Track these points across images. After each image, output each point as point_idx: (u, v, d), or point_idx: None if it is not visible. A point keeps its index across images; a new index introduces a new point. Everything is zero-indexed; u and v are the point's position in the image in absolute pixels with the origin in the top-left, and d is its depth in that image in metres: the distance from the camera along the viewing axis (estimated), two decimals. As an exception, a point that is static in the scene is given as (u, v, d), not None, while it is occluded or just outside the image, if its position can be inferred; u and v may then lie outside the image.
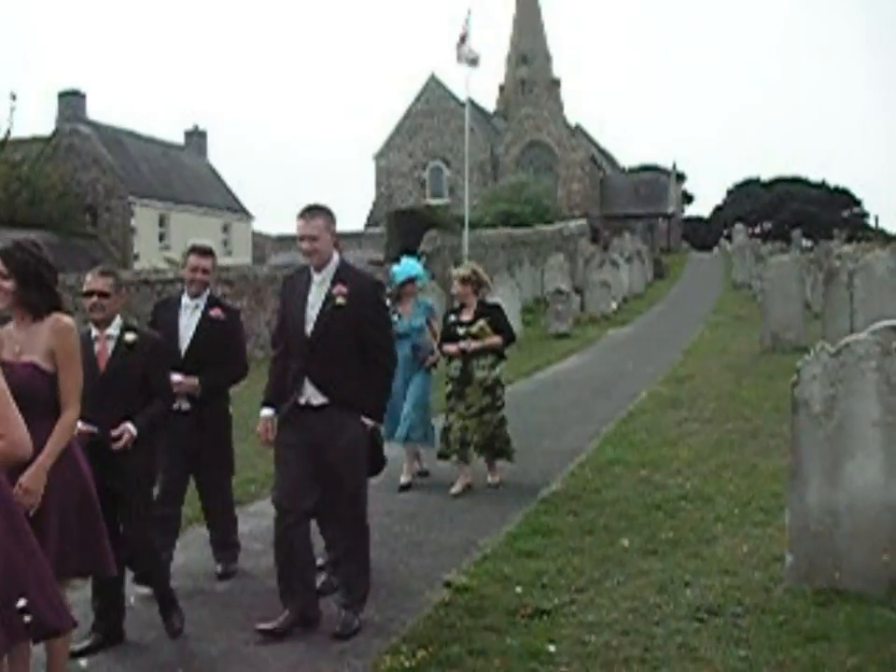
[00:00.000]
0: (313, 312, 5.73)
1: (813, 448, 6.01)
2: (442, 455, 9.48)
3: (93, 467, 5.00)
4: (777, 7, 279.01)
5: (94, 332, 5.62)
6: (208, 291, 6.88)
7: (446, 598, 6.29)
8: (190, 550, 7.40)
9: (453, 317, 9.59)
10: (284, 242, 54.91)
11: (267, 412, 5.97)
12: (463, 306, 9.58)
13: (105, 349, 5.57)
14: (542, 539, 7.47)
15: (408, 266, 9.95)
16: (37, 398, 4.59)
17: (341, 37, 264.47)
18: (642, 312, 33.43)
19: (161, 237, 47.56)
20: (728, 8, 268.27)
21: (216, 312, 6.79)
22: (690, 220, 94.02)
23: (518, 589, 6.37)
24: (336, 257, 5.82)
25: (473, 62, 31.36)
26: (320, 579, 6.25)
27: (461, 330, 9.32)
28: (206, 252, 6.86)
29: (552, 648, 5.38)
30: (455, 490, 9.20)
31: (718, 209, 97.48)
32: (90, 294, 5.58)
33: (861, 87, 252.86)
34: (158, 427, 5.72)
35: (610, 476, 9.51)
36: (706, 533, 7.47)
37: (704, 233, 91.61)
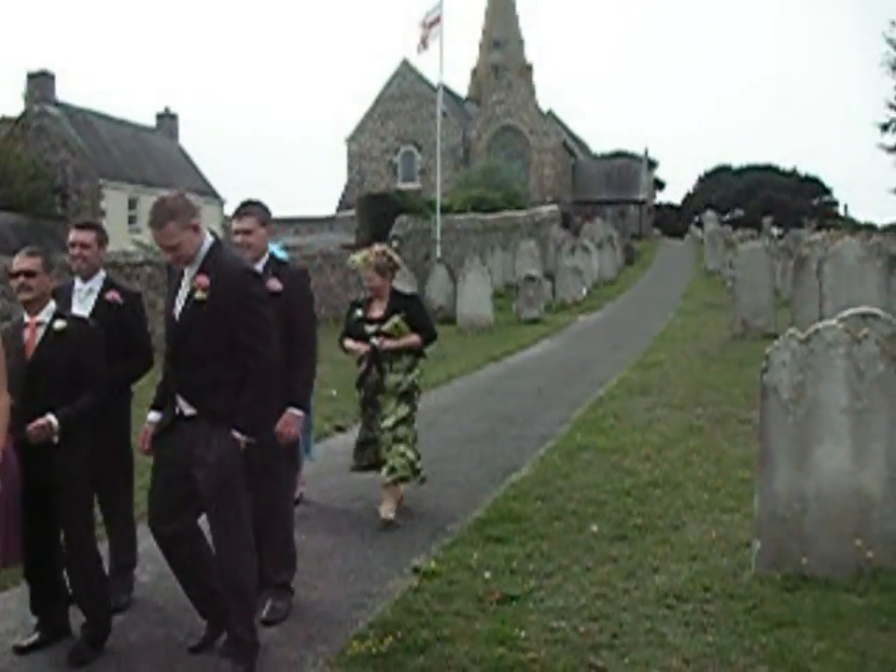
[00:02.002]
0: (179, 308, 5.05)
1: (782, 434, 6.02)
2: (358, 469, 8.13)
3: (23, 463, 4.98)
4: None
5: (26, 318, 5.36)
6: (103, 273, 6.16)
7: (414, 584, 6.27)
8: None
9: (359, 312, 7.98)
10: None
11: (153, 416, 5.29)
12: (373, 299, 7.99)
13: (34, 337, 5.29)
14: (511, 525, 7.45)
15: None
16: None
17: (314, 21, 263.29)
18: (613, 298, 33.52)
19: (131, 220, 47.32)
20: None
21: (112, 295, 6.03)
22: (661, 207, 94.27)
23: (486, 575, 6.35)
24: (207, 242, 5.03)
25: (424, 42, 32.00)
26: (266, 606, 5.85)
27: (370, 329, 7.81)
28: (85, 226, 6.20)
29: (520, 633, 5.37)
30: (388, 516, 7.76)
31: (689, 196, 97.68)
32: (16, 275, 5.30)
33: (832, 76, 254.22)
34: (89, 422, 5.32)
35: (580, 462, 9.50)
36: (674, 519, 7.48)
37: (675, 220, 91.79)
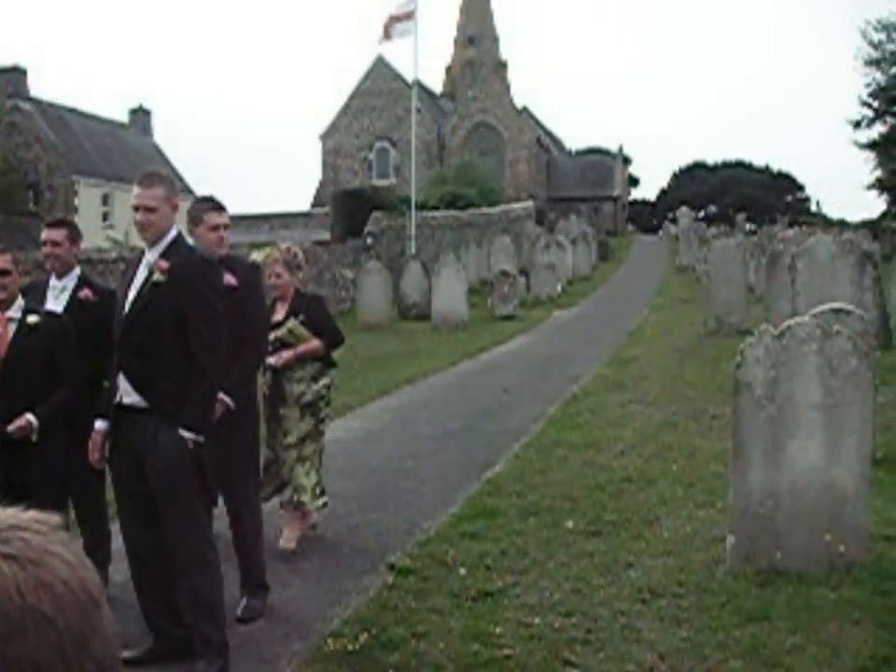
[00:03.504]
0: (133, 291, 4.94)
1: (755, 430, 6.05)
2: (265, 497, 6.89)
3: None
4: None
5: None
6: (77, 270, 6.11)
7: (389, 581, 6.27)
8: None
9: None
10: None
11: (100, 424, 5.08)
12: (276, 300, 7.21)
13: (6, 333, 5.23)
14: (486, 521, 7.46)
15: None
16: None
17: (288, 17, 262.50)
18: (587, 294, 33.56)
19: (105, 216, 47.06)
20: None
21: (85, 293, 5.98)
22: (635, 203, 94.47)
23: (462, 571, 6.36)
24: (173, 232, 5.03)
25: (387, 32, 32.03)
26: (241, 604, 5.86)
27: (270, 335, 6.69)
28: (56, 224, 6.12)
29: (495, 630, 5.38)
30: (289, 546, 6.99)
31: (663, 192, 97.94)
32: None
33: (805, 73, 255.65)
34: (63, 418, 5.29)
35: (555, 458, 9.52)
36: (649, 514, 7.50)
37: (649, 216, 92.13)
